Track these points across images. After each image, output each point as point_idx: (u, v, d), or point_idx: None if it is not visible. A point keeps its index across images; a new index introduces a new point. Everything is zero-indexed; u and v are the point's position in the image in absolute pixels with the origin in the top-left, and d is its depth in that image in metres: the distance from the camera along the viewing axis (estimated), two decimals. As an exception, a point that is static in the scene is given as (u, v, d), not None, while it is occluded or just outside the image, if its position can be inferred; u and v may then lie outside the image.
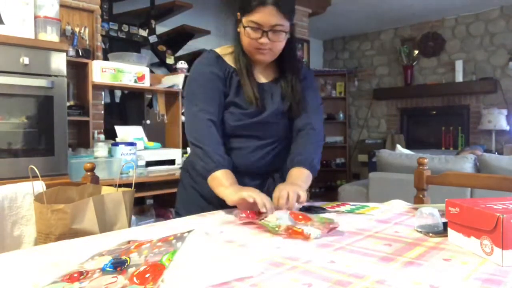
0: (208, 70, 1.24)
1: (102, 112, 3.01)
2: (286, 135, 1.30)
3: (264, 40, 1.16)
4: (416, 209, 1.05)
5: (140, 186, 2.53)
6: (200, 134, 1.19)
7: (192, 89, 1.25)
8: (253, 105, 1.21)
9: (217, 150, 1.16)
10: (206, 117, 1.19)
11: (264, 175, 1.30)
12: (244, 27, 1.17)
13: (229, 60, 1.26)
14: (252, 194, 1.02)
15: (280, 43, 1.20)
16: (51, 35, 2.27)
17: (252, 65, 1.26)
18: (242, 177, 1.20)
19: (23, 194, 1.20)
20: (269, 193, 1.09)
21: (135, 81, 2.99)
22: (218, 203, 1.15)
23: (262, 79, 1.29)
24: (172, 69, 3.92)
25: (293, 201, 1.04)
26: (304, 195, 1.08)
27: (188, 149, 3.20)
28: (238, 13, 1.21)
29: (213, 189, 1.14)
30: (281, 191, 1.06)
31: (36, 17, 2.23)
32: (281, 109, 1.26)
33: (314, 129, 1.28)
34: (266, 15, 1.13)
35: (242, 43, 1.22)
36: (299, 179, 1.17)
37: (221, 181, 1.12)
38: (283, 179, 1.23)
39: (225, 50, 1.28)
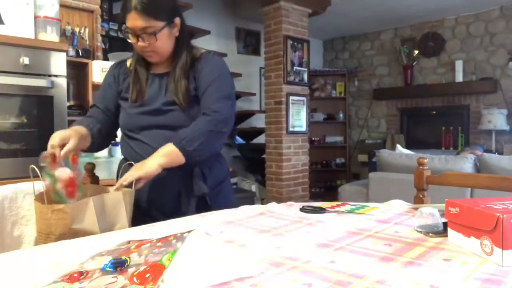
0: (107, 74, 1.40)
1: (102, 112, 3.01)
2: (185, 122, 1.27)
3: (140, 43, 1.22)
4: (416, 209, 1.05)
5: (140, 186, 2.53)
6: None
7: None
8: (136, 99, 1.30)
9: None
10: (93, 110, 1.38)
11: (183, 168, 1.24)
12: (126, 32, 1.25)
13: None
14: None
15: (158, 43, 1.22)
16: (51, 35, 2.27)
17: (147, 64, 1.34)
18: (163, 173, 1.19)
19: (23, 194, 1.20)
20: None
21: (135, 81, 2.99)
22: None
23: (156, 70, 1.34)
24: (172, 69, 3.92)
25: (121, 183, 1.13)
26: (138, 174, 1.14)
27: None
28: None
29: None
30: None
31: (36, 17, 2.23)
32: (169, 100, 1.27)
33: (206, 114, 1.26)
34: (132, 20, 1.19)
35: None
36: (158, 152, 1.20)
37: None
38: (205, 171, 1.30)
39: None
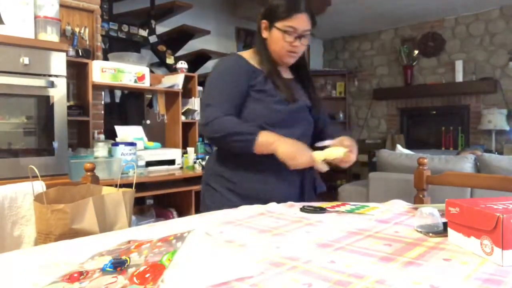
0: (234, 69, 1.36)
1: (102, 112, 3.01)
2: (311, 130, 1.46)
3: (297, 43, 1.33)
4: (416, 209, 1.05)
5: (140, 186, 2.53)
6: (221, 126, 1.28)
7: (212, 86, 1.36)
8: (288, 99, 1.34)
9: (243, 124, 1.30)
10: (221, 114, 1.29)
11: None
12: (283, 31, 1.31)
13: (253, 61, 1.38)
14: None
15: (305, 46, 1.37)
16: (51, 35, 2.27)
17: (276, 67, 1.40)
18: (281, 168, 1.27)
19: (23, 194, 1.20)
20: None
21: (135, 81, 2.99)
22: (256, 197, 1.29)
23: (285, 75, 1.43)
24: (172, 69, 3.92)
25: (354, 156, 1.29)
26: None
27: (188, 149, 3.22)
28: (265, 21, 1.35)
29: (267, 150, 1.25)
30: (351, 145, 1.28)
31: (36, 17, 2.23)
32: (308, 104, 1.43)
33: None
34: (301, 21, 1.30)
35: (272, 47, 1.36)
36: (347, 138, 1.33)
37: (269, 139, 1.25)
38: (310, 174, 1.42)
39: (246, 54, 1.41)
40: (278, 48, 1.35)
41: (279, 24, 1.32)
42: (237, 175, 1.37)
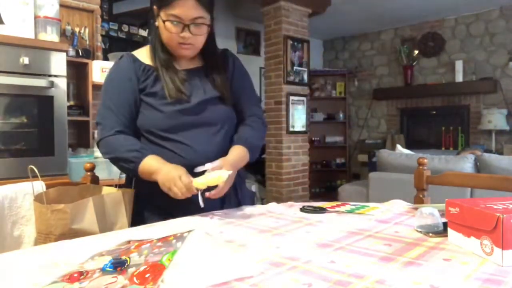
0: (118, 76, 1.21)
1: (102, 112, 3.01)
2: (228, 118, 1.26)
3: (186, 34, 1.13)
4: (416, 209, 1.05)
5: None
6: (107, 148, 1.17)
7: (101, 99, 1.22)
8: (172, 95, 1.17)
9: (128, 146, 1.14)
10: (107, 133, 1.17)
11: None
12: (164, 21, 1.13)
13: (145, 58, 1.23)
14: (173, 189, 1.04)
15: (202, 36, 1.18)
16: (51, 35, 2.27)
17: (172, 59, 1.22)
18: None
19: (23, 194, 1.20)
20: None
21: (135, 81, 2.99)
22: (166, 208, 1.15)
23: (184, 66, 1.25)
24: (172, 69, 3.91)
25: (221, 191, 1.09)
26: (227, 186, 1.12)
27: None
28: (155, 7, 1.16)
29: (151, 179, 1.10)
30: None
31: (36, 17, 2.23)
32: (214, 95, 1.23)
33: (259, 118, 1.31)
34: (186, 8, 1.10)
35: (162, 38, 1.18)
36: (231, 155, 1.17)
37: (150, 168, 1.10)
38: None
39: (141, 51, 1.26)
40: (167, 39, 1.17)
41: (162, 14, 1.13)
42: (150, 185, 1.13)
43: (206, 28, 1.18)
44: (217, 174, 1.04)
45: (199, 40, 1.18)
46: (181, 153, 1.16)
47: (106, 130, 1.17)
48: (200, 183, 1.03)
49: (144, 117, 1.19)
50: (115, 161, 1.17)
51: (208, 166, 1.08)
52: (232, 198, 1.27)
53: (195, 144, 1.17)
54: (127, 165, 1.14)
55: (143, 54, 1.24)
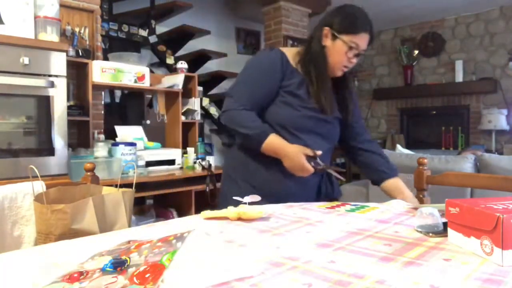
0: (267, 65, 1.35)
1: (102, 112, 3.01)
2: (333, 142, 1.46)
3: (355, 60, 1.34)
4: (416, 209, 1.05)
5: (140, 186, 2.53)
6: (234, 118, 1.31)
7: (241, 78, 1.37)
8: (326, 111, 1.34)
9: (256, 122, 1.30)
10: (238, 107, 1.31)
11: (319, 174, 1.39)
12: (348, 46, 1.31)
13: (291, 60, 1.37)
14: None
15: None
16: (51, 35, 2.27)
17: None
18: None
19: (23, 194, 1.20)
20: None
21: (135, 81, 2.99)
22: (269, 193, 1.29)
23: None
24: (172, 69, 3.92)
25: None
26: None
27: (188, 149, 3.22)
28: (328, 28, 1.33)
29: (273, 155, 1.29)
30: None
31: (36, 17, 2.22)
32: (339, 116, 1.43)
33: (375, 142, 1.55)
34: (364, 41, 1.33)
35: (331, 57, 1.34)
36: (406, 190, 1.39)
37: (278, 143, 1.28)
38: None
39: (290, 51, 1.40)
40: (337, 59, 1.33)
41: (346, 38, 1.31)
42: (257, 169, 1.37)
43: None
44: (252, 210, 1.04)
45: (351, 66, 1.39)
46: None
47: (237, 104, 1.31)
48: (232, 214, 1.04)
49: (276, 111, 1.35)
50: (240, 129, 1.31)
51: (246, 199, 1.11)
52: (326, 191, 1.46)
53: (316, 150, 1.31)
54: (254, 135, 1.29)
55: (291, 55, 1.38)
